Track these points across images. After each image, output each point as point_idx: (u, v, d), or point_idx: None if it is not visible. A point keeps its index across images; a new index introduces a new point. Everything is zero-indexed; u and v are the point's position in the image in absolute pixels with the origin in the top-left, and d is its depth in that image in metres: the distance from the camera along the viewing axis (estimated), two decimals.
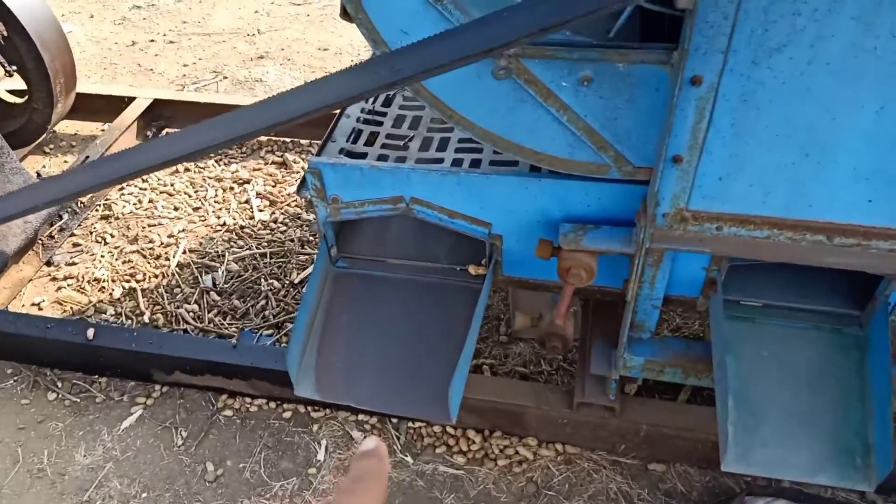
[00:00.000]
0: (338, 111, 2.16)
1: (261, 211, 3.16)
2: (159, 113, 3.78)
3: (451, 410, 1.63)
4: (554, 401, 2.13)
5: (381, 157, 2.00)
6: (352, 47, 4.68)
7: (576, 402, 2.06)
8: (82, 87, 3.55)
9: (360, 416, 2.30)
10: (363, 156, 2.02)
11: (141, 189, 3.38)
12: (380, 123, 2.16)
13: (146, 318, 2.65)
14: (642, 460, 2.16)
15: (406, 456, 2.21)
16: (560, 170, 1.61)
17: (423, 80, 1.24)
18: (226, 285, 2.77)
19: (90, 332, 2.39)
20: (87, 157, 3.29)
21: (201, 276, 2.80)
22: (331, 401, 1.83)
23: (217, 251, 2.93)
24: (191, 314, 2.65)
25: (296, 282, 2.77)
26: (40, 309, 2.74)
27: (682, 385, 2.24)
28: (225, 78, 4.41)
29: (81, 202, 3.27)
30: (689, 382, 1.89)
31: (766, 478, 2.06)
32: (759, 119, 1.39)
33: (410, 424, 2.28)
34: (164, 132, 3.80)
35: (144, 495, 2.14)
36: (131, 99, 3.68)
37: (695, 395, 2.28)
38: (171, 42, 4.94)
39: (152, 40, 4.96)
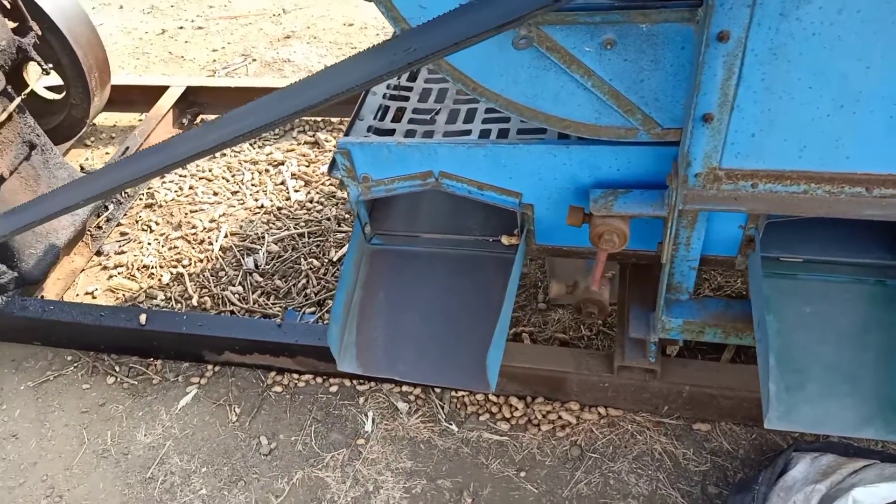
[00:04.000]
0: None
1: (296, 191, 3.21)
2: (193, 100, 3.84)
3: (490, 379, 1.66)
4: (594, 365, 2.14)
5: (409, 133, 2.01)
6: (377, 21, 4.66)
7: (616, 366, 2.07)
8: (117, 79, 3.64)
9: (405, 388, 2.36)
10: (391, 132, 2.04)
11: (181, 176, 3.46)
12: (406, 98, 2.16)
13: (194, 302, 2.75)
14: (687, 420, 2.17)
15: (451, 424, 2.26)
16: (588, 136, 1.60)
17: (439, 59, 1.23)
18: (267, 266, 2.84)
19: (143, 318, 2.48)
20: (128, 148, 3.38)
21: (243, 259, 2.88)
22: (373, 374, 1.88)
23: (257, 233, 3.00)
24: (236, 296, 2.73)
25: (334, 259, 2.83)
26: (94, 297, 2.86)
27: (724, 345, 2.23)
28: (254, 60, 4.45)
29: (126, 192, 3.37)
30: (731, 342, 1.88)
31: (814, 433, 2.05)
32: (790, 73, 1.36)
33: (454, 394, 2.33)
34: (199, 118, 3.87)
35: (204, 470, 2.24)
36: (165, 88, 3.75)
37: (738, 354, 2.26)
38: (200, 28, 4.99)
39: (181, 27, 5.02)
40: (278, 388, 2.42)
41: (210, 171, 3.46)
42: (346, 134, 2.01)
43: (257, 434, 2.30)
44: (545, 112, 1.58)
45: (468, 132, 1.98)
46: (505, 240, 1.95)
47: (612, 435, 2.17)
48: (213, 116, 3.86)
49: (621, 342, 2.09)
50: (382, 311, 1.90)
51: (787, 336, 1.71)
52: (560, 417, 2.21)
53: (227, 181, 3.39)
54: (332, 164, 1.89)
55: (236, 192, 3.30)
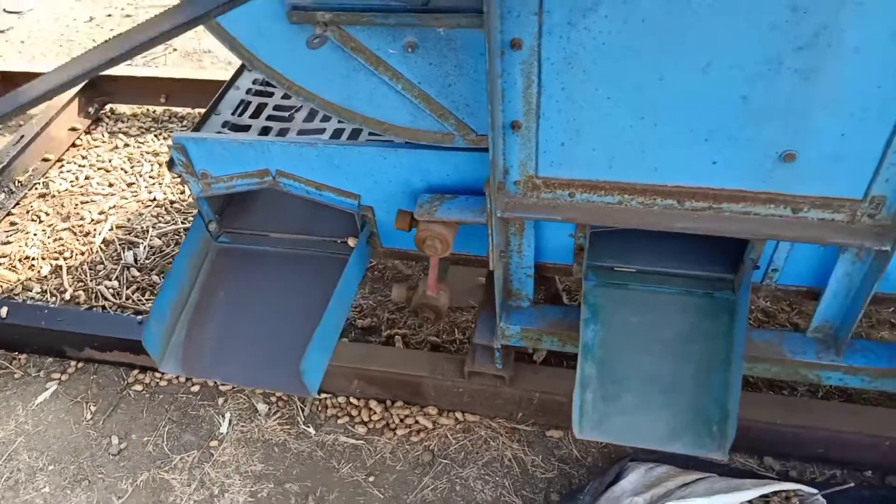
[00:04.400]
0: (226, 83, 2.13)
1: None
2: (104, 89, 3.75)
3: (307, 384, 1.63)
4: (449, 370, 2.12)
5: (265, 130, 1.98)
6: None
7: (466, 371, 2.06)
8: (22, 65, 3.54)
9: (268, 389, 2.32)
10: (247, 128, 2.00)
11: (80, 166, 3.38)
12: (270, 95, 2.13)
13: (68, 296, 2.68)
14: (541, 427, 2.16)
15: (309, 427, 2.23)
16: (407, 139, 1.58)
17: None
18: (147, 261, 2.78)
19: (3, 311, 2.41)
20: (22, 136, 3.29)
21: (123, 253, 2.82)
22: (196, 377, 1.84)
23: (143, 227, 2.94)
24: (110, 290, 2.67)
25: None
26: None
27: None
28: (175, 50, 4.36)
29: (19, 181, 3.28)
30: (568, 350, 1.88)
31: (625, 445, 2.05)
32: (586, 83, 1.35)
33: (316, 396, 2.30)
34: (107, 108, 3.79)
35: (51, 468, 2.18)
36: None
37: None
38: (128, 16, 4.89)
39: (109, 15, 4.92)
40: (139, 387, 2.37)
41: (109, 161, 3.38)
42: (197, 128, 1.98)
43: (109, 433, 2.25)
44: (362, 114, 1.55)
45: (322, 131, 1.96)
46: (351, 242, 1.92)
47: (465, 441, 2.15)
48: (123, 106, 3.78)
49: (473, 347, 2.07)
50: (218, 311, 1.86)
51: (611, 346, 1.71)
52: (417, 422, 2.19)
53: (126, 172, 3.31)
54: (171, 160, 1.85)
55: (132, 183, 3.23)
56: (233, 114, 2.04)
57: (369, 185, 1.75)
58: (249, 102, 2.09)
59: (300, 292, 1.88)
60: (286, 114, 2.04)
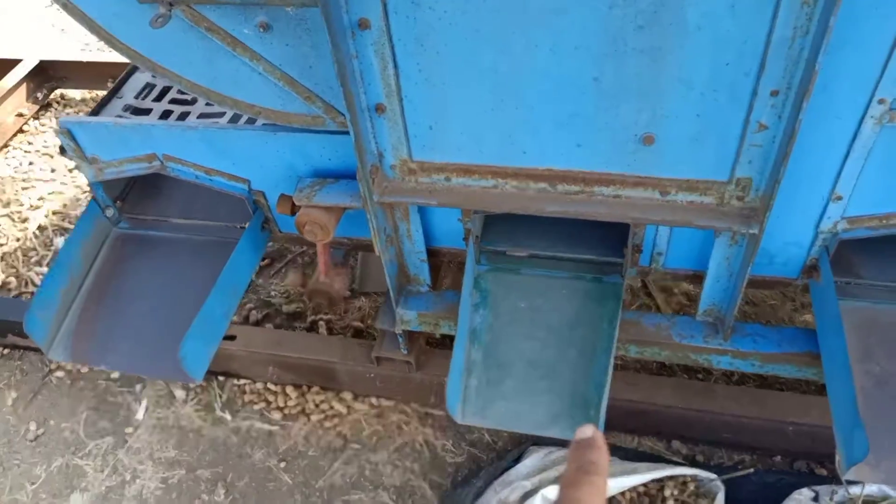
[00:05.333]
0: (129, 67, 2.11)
1: None
2: (52, 74, 3.72)
3: (189, 371, 1.62)
4: (359, 356, 2.11)
5: (167, 113, 1.96)
6: None
7: (374, 357, 2.04)
8: None
9: None
10: (149, 111, 1.98)
11: (25, 152, 3.37)
12: None
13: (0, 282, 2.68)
14: None
15: (225, 413, 2.22)
16: (279, 122, 1.55)
17: None
18: None
19: None
20: None
21: (55, 239, 2.81)
22: (84, 364, 1.84)
23: (77, 213, 2.93)
24: (40, 277, 2.66)
25: None
26: None
27: None
28: None
29: None
30: None
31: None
32: (442, 64, 1.32)
33: (235, 382, 2.29)
34: (56, 93, 3.76)
35: None
36: (17, 61, 3.63)
37: None
38: None
39: None
40: (61, 373, 2.37)
41: (55, 146, 3.37)
42: (96, 112, 1.95)
43: (28, 419, 2.25)
44: (231, 96, 1.52)
45: (222, 115, 1.93)
46: None
47: (378, 426, 2.15)
48: (72, 91, 3.76)
49: (382, 333, 2.06)
50: (111, 298, 1.85)
51: (498, 331, 1.69)
52: (332, 407, 2.19)
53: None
54: (62, 146, 1.82)
55: (73, 169, 3.21)
56: (136, 97, 2.02)
57: (256, 169, 1.73)
58: (154, 86, 2.06)
59: (197, 279, 1.86)
60: (189, 97, 2.02)
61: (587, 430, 0.59)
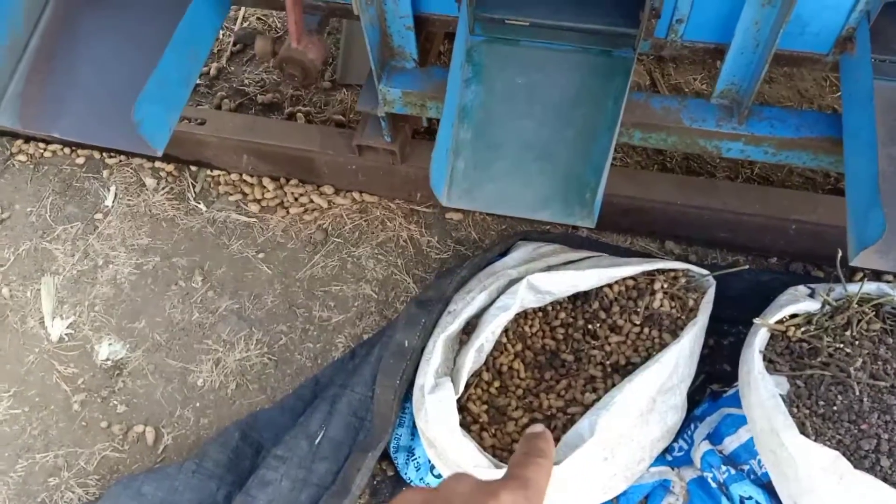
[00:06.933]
0: None
1: None
2: None
3: (146, 138, 1.46)
4: (339, 145, 1.96)
5: None
6: None
7: (355, 145, 1.90)
8: None
9: (157, 164, 2.18)
10: None
11: None
12: None
13: None
14: (441, 209, 2.05)
15: (200, 204, 2.11)
16: None
17: None
18: None
19: None
20: None
21: None
22: (33, 130, 1.68)
23: None
24: None
25: None
26: None
27: None
28: None
29: None
30: None
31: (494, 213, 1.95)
32: None
33: (209, 173, 2.16)
34: None
35: None
36: None
37: None
38: None
39: None
40: (23, 157, 2.22)
41: None
42: None
43: None
44: None
45: None
46: None
47: (361, 221, 2.05)
48: None
49: (364, 119, 1.90)
50: (60, 59, 1.65)
51: (490, 109, 1.53)
52: (312, 201, 2.08)
53: None
54: None
55: None
56: None
57: None
58: None
59: (154, 39, 1.64)
60: None
61: (537, 427, 0.66)
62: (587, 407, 1.47)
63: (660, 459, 1.58)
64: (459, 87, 1.53)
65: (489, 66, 1.55)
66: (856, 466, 1.21)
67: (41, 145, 2.23)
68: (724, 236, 1.87)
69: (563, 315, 1.63)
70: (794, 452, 1.23)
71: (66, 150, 2.22)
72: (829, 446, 1.26)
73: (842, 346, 1.38)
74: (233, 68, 2.39)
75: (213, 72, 2.37)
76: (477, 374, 1.57)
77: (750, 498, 1.43)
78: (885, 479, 1.22)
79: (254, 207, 2.10)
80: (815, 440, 1.26)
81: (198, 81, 2.35)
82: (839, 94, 1.98)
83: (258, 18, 2.48)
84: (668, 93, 2.20)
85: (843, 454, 1.22)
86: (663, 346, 1.54)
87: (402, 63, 1.67)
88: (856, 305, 1.43)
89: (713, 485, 1.49)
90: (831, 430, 1.30)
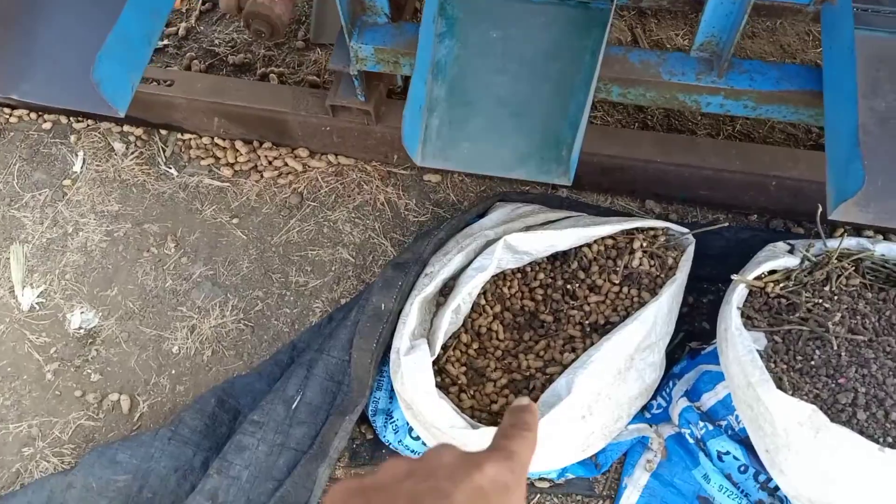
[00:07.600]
0: None
1: None
2: None
3: (107, 98, 1.41)
4: (312, 106, 1.91)
5: None
6: None
7: (328, 105, 1.85)
8: None
9: (126, 128, 2.12)
10: None
11: None
12: None
13: None
14: (418, 171, 2.01)
15: (171, 169, 2.06)
16: None
17: None
18: None
19: None
20: None
21: None
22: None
23: None
24: None
25: None
26: None
27: None
28: None
29: None
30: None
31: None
32: None
33: (179, 136, 2.10)
34: None
35: None
36: None
37: None
38: None
39: None
40: None
41: None
42: None
43: None
44: None
45: None
46: None
47: (336, 184, 2.01)
48: None
49: (337, 78, 1.84)
50: (20, 22, 1.58)
51: (464, 65, 1.48)
52: (286, 164, 2.03)
53: None
54: None
55: None
56: None
57: None
58: None
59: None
60: None
61: (523, 400, 0.66)
62: (566, 367, 1.45)
63: (638, 417, 1.58)
64: (432, 41, 1.48)
65: (463, 20, 1.50)
66: (832, 420, 1.21)
67: (6, 111, 2.16)
68: (704, 194, 1.85)
69: (541, 276, 1.61)
70: (771, 407, 1.23)
71: (33, 116, 2.15)
72: (807, 401, 1.26)
73: (820, 301, 1.38)
74: (202, 28, 2.32)
75: (181, 32, 2.29)
76: (455, 336, 1.56)
77: (727, 453, 1.43)
78: (861, 432, 1.22)
79: (227, 172, 2.05)
80: (791, 395, 1.25)
81: (166, 42, 2.29)
82: (822, 48, 1.95)
83: None
84: (649, 48, 2.16)
85: (821, 408, 1.22)
86: (642, 304, 1.53)
87: (374, 18, 1.62)
88: (835, 261, 1.42)
89: (691, 441, 1.49)
90: (808, 385, 1.30)
